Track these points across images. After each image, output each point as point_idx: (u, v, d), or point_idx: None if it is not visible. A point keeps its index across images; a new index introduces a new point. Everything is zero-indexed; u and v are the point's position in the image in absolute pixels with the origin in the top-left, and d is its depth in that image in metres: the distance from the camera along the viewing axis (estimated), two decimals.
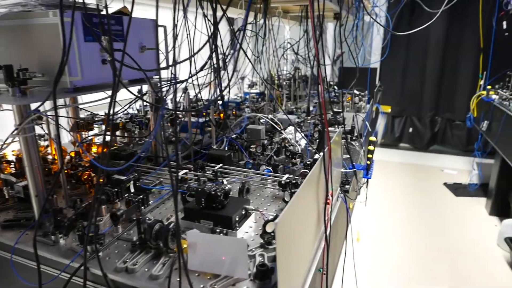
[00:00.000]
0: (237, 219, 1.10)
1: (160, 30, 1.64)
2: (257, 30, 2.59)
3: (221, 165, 1.52)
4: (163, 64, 1.70)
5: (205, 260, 0.91)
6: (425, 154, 5.95)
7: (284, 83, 3.80)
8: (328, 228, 1.12)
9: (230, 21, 5.59)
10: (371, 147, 1.75)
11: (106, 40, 1.00)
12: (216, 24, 1.68)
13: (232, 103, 2.80)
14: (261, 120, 2.64)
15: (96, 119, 1.88)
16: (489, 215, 3.88)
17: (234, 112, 2.59)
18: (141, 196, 1.21)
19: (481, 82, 4.60)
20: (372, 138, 1.81)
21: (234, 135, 1.95)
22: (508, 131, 3.32)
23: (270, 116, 2.36)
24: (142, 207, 1.22)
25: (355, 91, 3.43)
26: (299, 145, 2.02)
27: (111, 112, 0.94)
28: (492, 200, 3.89)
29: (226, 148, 1.81)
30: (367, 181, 1.92)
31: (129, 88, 1.16)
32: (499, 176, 3.80)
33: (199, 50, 1.34)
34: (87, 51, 1.20)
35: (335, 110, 2.60)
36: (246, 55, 1.95)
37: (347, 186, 1.55)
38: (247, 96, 3.51)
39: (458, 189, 4.51)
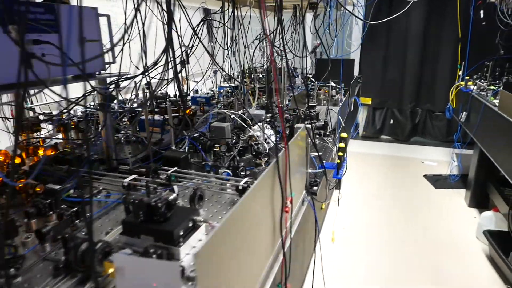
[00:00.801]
0: (181, 233, 0.96)
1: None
2: (225, 20, 2.44)
3: (175, 168, 1.38)
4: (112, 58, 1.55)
5: (134, 286, 0.78)
6: (406, 145, 5.92)
7: (261, 76, 3.67)
8: (287, 239, 1.01)
9: (206, 11, 5.39)
10: (342, 144, 1.64)
11: (15, 30, 0.85)
12: (170, 12, 1.53)
13: (202, 98, 2.65)
14: (232, 117, 2.51)
15: (43, 119, 1.71)
16: (469, 207, 3.85)
17: (202, 108, 2.44)
18: (75, 208, 1.06)
19: (460, 73, 4.56)
20: (344, 135, 1.70)
21: (197, 133, 1.81)
22: (486, 122, 3.27)
23: (241, 112, 2.23)
24: (78, 221, 1.08)
25: (332, 84, 3.33)
26: (268, 143, 1.89)
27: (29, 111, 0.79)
28: (471, 192, 3.86)
29: (187, 149, 1.67)
30: (339, 181, 1.81)
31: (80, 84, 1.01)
32: (478, 167, 3.77)
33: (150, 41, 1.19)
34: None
35: (310, 104, 2.47)
36: (205, 48, 1.81)
37: (315, 188, 1.44)
38: (221, 91, 3.36)
39: (438, 181, 4.48)
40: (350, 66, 3.61)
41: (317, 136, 2.13)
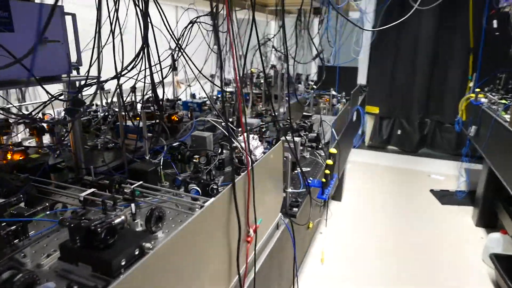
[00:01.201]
0: (123, 263, 0.84)
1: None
2: (218, 23, 2.33)
3: (141, 182, 1.26)
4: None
5: None
6: (413, 157, 5.72)
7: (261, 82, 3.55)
8: (249, 274, 0.88)
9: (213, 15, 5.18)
10: (329, 162, 1.50)
11: None
12: (146, 10, 1.43)
13: (193, 104, 2.54)
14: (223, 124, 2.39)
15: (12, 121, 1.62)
16: (476, 226, 3.65)
17: (190, 115, 2.33)
18: (15, 226, 0.95)
19: (471, 84, 4.37)
20: (333, 151, 1.56)
21: (177, 143, 1.69)
22: (496, 138, 3.09)
23: (231, 119, 2.11)
24: (18, 241, 0.97)
25: (333, 92, 3.19)
26: (254, 155, 1.77)
27: None
28: (479, 210, 3.66)
29: (162, 160, 1.55)
30: (325, 202, 1.67)
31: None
32: (487, 184, 3.57)
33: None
34: None
35: (304, 113, 2.34)
36: (180, 53, 1.69)
37: (295, 210, 1.30)
38: (219, 96, 3.25)
39: (444, 197, 4.28)
40: (352, 74, 3.46)
41: (309, 149, 1.99)
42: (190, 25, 1.98)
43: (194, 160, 1.62)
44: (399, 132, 5.95)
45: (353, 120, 3.32)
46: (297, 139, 1.62)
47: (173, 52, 1.99)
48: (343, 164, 3.41)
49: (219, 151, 1.71)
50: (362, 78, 5.84)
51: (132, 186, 1.22)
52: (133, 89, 2.06)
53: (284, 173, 1.32)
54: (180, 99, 2.58)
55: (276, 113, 2.43)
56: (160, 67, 1.70)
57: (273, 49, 3.45)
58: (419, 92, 5.63)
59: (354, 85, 3.48)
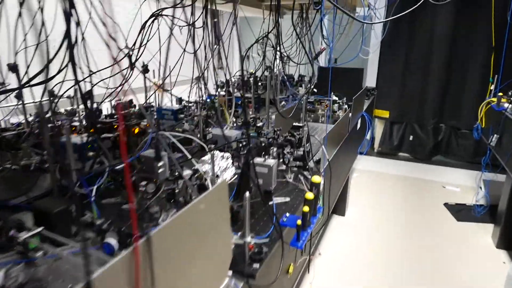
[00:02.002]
0: None
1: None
2: (191, 19, 1.98)
3: (42, 228, 0.92)
4: None
5: None
6: (426, 165, 5.28)
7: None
8: None
9: (213, 13, 4.88)
10: (310, 195, 1.14)
11: None
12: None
13: (168, 111, 2.20)
14: (209, 136, 2.05)
15: None
16: (497, 248, 3.23)
17: (157, 125, 1.99)
18: None
19: (492, 87, 3.93)
20: (316, 179, 1.20)
21: (120, 165, 1.35)
22: None
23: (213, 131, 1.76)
24: None
25: (334, 97, 2.82)
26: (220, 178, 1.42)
27: None
28: (501, 229, 3.24)
29: (95, 187, 1.21)
30: (301, 251, 1.31)
31: None
32: (510, 199, 3.15)
33: None
34: None
35: (294, 124, 1.98)
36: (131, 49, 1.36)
37: (255, 266, 0.95)
38: (208, 100, 2.90)
39: (460, 212, 3.86)
40: (358, 76, 3.08)
41: (295, 168, 1.63)
42: (153, 19, 1.65)
43: (141, 189, 1.28)
44: (411, 138, 5.51)
45: (357, 128, 2.94)
46: (271, 162, 1.26)
47: (130, 52, 1.66)
48: (346, 174, 3.03)
49: (176, 176, 1.36)
50: (371, 80, 5.44)
51: (25, 235, 0.89)
52: (88, 95, 1.73)
53: (242, 216, 0.97)
54: (151, 106, 2.25)
55: (260, 123, 2.08)
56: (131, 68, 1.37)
57: (270, 48, 3.09)
58: (434, 95, 5.19)
59: (359, 88, 3.09)
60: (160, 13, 1.64)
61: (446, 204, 4.02)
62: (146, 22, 1.63)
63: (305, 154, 1.57)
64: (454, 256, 3.11)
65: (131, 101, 2.41)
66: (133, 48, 1.63)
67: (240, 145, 1.75)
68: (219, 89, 3.08)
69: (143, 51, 1.65)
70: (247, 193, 0.92)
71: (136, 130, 1.74)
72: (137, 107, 2.32)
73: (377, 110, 5.52)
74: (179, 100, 2.95)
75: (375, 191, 4.37)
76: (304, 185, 1.47)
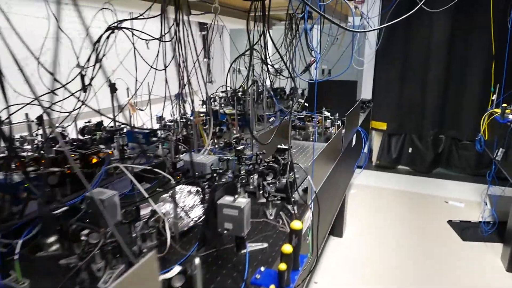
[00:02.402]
0: None
1: None
2: (163, 31, 1.77)
3: None
4: None
5: None
6: (427, 179, 5.04)
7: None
8: None
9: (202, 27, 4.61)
10: (287, 249, 0.90)
11: None
12: None
13: (140, 134, 1.97)
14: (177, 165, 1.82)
15: None
16: (507, 271, 2.98)
17: (121, 153, 1.75)
18: None
19: (494, 97, 3.73)
20: (296, 226, 0.97)
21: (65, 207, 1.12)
22: None
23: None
24: None
25: (326, 113, 2.60)
26: (187, 217, 1.19)
27: None
28: (511, 250, 2.99)
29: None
30: None
31: None
32: None
33: None
34: None
35: (279, 147, 1.75)
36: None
37: None
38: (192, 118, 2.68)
39: (466, 230, 3.61)
40: (351, 89, 2.87)
41: (278, 201, 1.40)
42: (109, 33, 1.43)
43: (83, 238, 1.05)
44: (410, 150, 5.29)
45: (352, 144, 2.71)
46: (242, 202, 1.03)
47: (82, 71, 1.44)
48: (342, 193, 2.80)
49: (131, 220, 1.13)
50: (367, 91, 5.24)
51: None
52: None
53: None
54: (121, 129, 2.02)
55: (241, 146, 1.84)
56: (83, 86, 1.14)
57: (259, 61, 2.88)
58: (432, 105, 4.98)
59: (353, 102, 2.88)
60: (118, 26, 1.43)
61: (450, 222, 3.78)
62: (101, 37, 1.42)
63: (287, 185, 1.33)
64: (461, 281, 2.86)
65: (99, 123, 2.19)
66: (85, 67, 1.41)
67: (215, 174, 1.52)
68: (199, 106, 2.87)
69: (99, 68, 1.43)
70: (197, 260, 0.69)
71: (94, 160, 1.51)
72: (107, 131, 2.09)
73: (374, 122, 5.31)
74: (159, 119, 2.74)
75: (374, 208, 4.12)
76: (286, 224, 1.23)
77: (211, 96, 2.64)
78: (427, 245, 3.37)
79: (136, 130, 1.98)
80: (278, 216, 1.33)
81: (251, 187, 1.56)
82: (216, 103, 3.02)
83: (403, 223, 3.77)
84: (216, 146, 2.23)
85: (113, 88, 1.98)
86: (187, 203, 1.22)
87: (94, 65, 1.39)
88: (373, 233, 3.58)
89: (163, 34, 1.71)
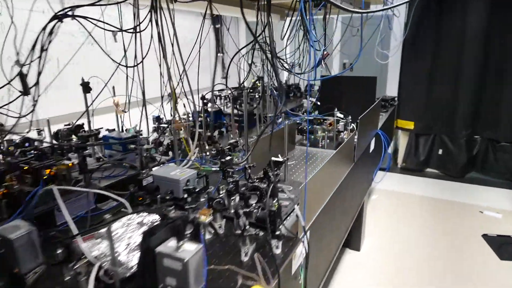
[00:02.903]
0: None
1: None
2: (136, 22, 1.49)
3: None
4: None
5: None
6: (458, 184, 4.56)
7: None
8: None
9: (215, 19, 4.30)
10: None
11: None
12: None
13: (115, 140, 1.70)
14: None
15: None
16: None
17: (81, 166, 1.48)
18: None
19: None
20: None
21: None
22: None
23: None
24: None
25: (338, 114, 2.26)
26: (123, 270, 0.91)
27: None
28: None
29: None
30: None
31: None
32: None
33: None
34: None
35: (273, 158, 1.44)
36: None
37: None
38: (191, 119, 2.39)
39: (504, 246, 3.16)
40: (369, 86, 2.50)
41: (255, 237, 1.09)
42: (55, 22, 1.16)
43: None
44: (440, 151, 4.81)
45: (369, 151, 2.36)
46: (188, 251, 0.74)
47: (21, 67, 1.17)
48: (358, 205, 2.45)
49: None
50: (392, 88, 4.81)
51: None
52: None
53: None
54: (98, 133, 1.76)
55: (235, 155, 1.54)
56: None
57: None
58: (466, 102, 4.47)
59: (371, 101, 2.51)
60: (69, 13, 1.15)
61: (485, 236, 3.33)
62: (46, 26, 1.15)
63: (267, 217, 1.02)
64: None
65: (79, 126, 1.95)
66: (25, 63, 1.15)
67: (187, 195, 1.23)
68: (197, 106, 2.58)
69: (43, 65, 1.17)
70: None
71: (48, 171, 1.25)
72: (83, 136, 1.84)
73: (400, 120, 4.87)
74: (157, 120, 2.49)
75: (398, 217, 3.72)
76: (260, 274, 0.92)
77: (205, 95, 2.35)
78: (457, 263, 2.95)
79: (111, 135, 1.72)
80: (264, 253, 1.03)
81: (232, 211, 1.26)
82: (218, 103, 2.73)
83: (430, 236, 3.35)
84: (208, 154, 1.94)
85: (86, 87, 1.73)
86: (133, 241, 0.94)
87: (39, 60, 1.13)
88: (396, 246, 3.19)
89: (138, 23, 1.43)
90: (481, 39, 4.22)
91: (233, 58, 2.41)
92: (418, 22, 4.38)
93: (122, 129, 2.35)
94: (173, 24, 1.56)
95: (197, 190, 1.32)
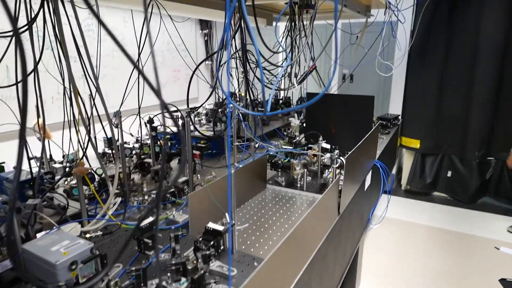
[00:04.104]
0: None
1: None
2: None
3: None
4: None
5: None
6: (470, 212, 4.05)
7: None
8: None
9: (205, 23, 3.76)
10: None
11: None
12: None
13: (8, 182, 1.25)
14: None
15: None
16: None
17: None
18: None
19: None
20: None
21: None
22: None
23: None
24: None
25: (324, 145, 1.78)
26: None
27: None
28: None
29: None
30: None
31: None
32: None
33: None
34: None
35: (209, 226, 0.97)
36: None
37: None
38: (160, 138, 1.93)
39: None
40: (366, 106, 2.03)
41: None
42: None
43: None
44: (449, 174, 4.30)
45: (364, 188, 1.88)
46: None
47: None
48: (352, 249, 1.96)
49: None
50: (396, 105, 4.35)
51: None
52: None
53: None
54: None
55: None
56: None
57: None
58: (479, 120, 3.98)
59: (368, 125, 2.04)
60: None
61: (503, 281, 2.83)
62: None
63: None
64: None
65: None
66: None
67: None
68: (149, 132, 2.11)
69: None
70: None
71: None
72: None
73: (404, 138, 4.39)
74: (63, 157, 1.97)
75: (399, 251, 3.23)
76: None
77: (154, 117, 1.89)
78: None
79: (5, 175, 1.26)
80: None
81: None
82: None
83: (437, 280, 2.85)
84: (148, 198, 1.48)
85: None
86: None
87: None
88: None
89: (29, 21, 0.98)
90: (498, 50, 3.73)
91: (195, 69, 1.95)
92: (426, 30, 3.91)
93: (51, 157, 1.91)
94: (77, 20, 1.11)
95: (84, 279, 0.85)
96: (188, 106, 2.05)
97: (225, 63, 2.44)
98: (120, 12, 3.86)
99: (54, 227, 1.08)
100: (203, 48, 5.30)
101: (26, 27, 1.02)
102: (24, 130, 0.45)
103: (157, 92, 0.47)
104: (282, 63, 2.49)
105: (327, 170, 1.71)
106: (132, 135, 2.17)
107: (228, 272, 0.94)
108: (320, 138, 1.75)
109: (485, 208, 4.11)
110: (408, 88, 4.29)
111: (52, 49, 1.15)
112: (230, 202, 0.97)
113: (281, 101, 3.06)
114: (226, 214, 1.10)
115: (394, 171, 4.57)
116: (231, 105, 1.64)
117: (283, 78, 2.56)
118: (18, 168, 0.48)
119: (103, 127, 1.51)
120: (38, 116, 1.45)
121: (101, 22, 0.47)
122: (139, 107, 1.85)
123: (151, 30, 0.57)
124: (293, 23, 2.20)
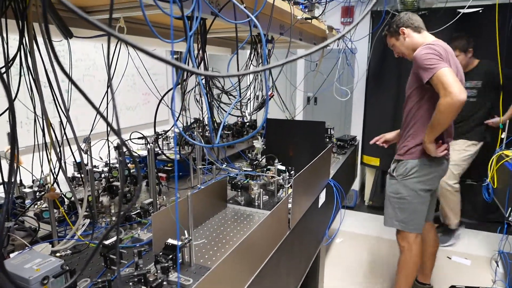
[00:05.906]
0: None
1: None
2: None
3: None
4: None
5: None
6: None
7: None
8: None
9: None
10: None
11: None
12: None
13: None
14: None
15: None
16: None
17: None
18: None
19: (503, 135, 3.09)
20: None
21: None
22: None
23: None
24: None
25: (279, 166, 1.97)
26: None
27: None
28: None
29: None
30: None
31: None
32: None
33: None
34: None
35: (169, 242, 1.12)
36: None
37: None
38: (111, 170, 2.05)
39: None
40: (318, 130, 2.24)
41: None
42: None
43: None
44: None
45: (318, 205, 2.07)
46: None
47: None
48: (306, 265, 2.12)
49: None
50: (357, 123, 4.63)
51: None
52: None
53: None
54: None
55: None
56: None
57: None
58: None
59: (321, 148, 2.25)
60: None
61: None
62: None
63: None
64: None
65: None
66: None
67: None
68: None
69: None
70: None
71: None
72: None
73: (365, 156, 4.66)
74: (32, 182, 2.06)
75: (362, 266, 3.42)
76: None
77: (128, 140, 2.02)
78: None
79: None
80: None
81: None
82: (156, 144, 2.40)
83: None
84: (107, 221, 1.60)
85: None
86: None
87: None
88: None
89: None
90: None
91: (163, 96, 2.11)
92: (381, 55, 4.25)
93: (21, 182, 1.99)
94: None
95: None
96: (155, 131, 2.20)
97: (191, 90, 2.61)
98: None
99: (26, 248, 1.18)
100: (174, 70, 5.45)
101: (4, 69, 1.15)
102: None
103: (117, 133, 0.62)
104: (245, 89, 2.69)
105: (281, 189, 1.89)
106: (102, 159, 2.28)
107: (177, 279, 1.08)
108: (276, 161, 1.94)
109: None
110: (367, 109, 4.59)
111: (22, 76, 1.26)
112: (189, 220, 1.11)
113: (247, 125, 3.24)
114: (185, 231, 1.24)
115: (357, 187, 4.82)
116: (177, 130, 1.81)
117: (248, 102, 2.76)
118: None
119: (73, 154, 1.62)
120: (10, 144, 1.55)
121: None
122: (108, 133, 1.98)
123: (122, 55, 0.72)
124: (255, 52, 2.41)
